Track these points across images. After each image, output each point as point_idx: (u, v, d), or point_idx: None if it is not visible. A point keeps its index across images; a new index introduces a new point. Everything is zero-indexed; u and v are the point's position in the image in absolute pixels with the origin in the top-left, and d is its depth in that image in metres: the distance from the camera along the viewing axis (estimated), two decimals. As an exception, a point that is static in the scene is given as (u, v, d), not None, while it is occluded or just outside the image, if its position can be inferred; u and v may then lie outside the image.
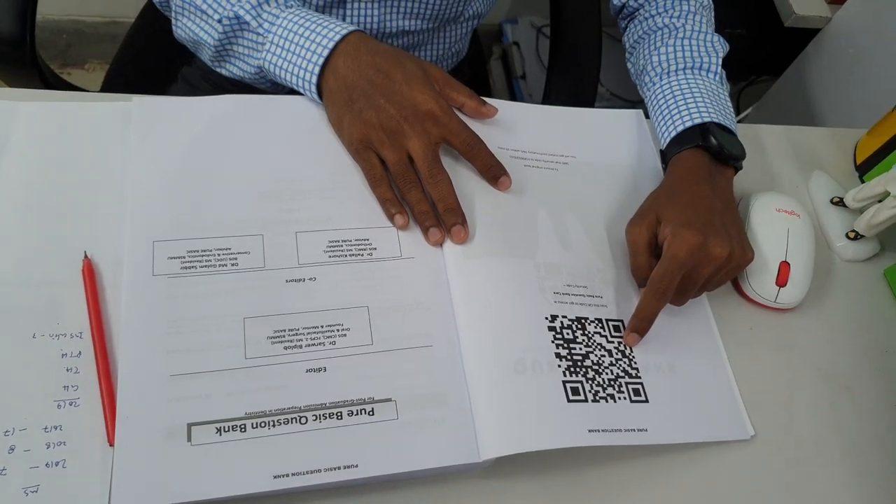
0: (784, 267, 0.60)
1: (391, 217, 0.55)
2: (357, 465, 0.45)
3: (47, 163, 0.53)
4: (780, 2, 1.09)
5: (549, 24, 0.96)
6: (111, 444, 0.43)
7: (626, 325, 0.54)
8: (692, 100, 0.62)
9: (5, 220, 0.51)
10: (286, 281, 0.51)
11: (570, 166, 0.63)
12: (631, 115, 0.70)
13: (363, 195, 0.56)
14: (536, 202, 0.59)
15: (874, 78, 1.01)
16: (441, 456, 0.46)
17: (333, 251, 0.53)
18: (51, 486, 0.42)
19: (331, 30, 0.57)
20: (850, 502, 0.52)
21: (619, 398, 0.51)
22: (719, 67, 0.66)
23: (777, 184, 0.70)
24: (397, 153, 0.55)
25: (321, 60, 0.57)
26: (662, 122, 0.64)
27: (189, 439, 0.44)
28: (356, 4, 0.67)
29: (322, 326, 0.50)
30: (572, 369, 0.51)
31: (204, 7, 0.59)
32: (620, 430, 0.49)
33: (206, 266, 0.50)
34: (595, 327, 0.54)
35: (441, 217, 0.55)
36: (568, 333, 0.52)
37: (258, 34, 0.59)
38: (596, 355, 0.52)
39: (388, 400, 0.48)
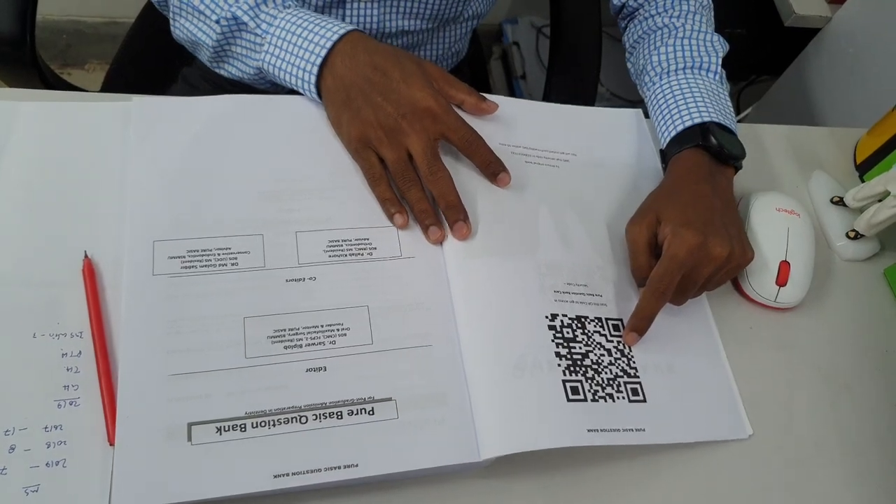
0: (784, 266, 0.60)
1: (391, 216, 0.55)
2: (357, 465, 0.45)
3: (47, 163, 0.54)
4: (780, 1, 1.09)
5: (549, 24, 0.96)
6: (111, 444, 0.43)
7: (625, 325, 0.54)
8: (692, 99, 0.62)
9: (5, 220, 0.51)
10: (286, 281, 0.51)
11: (571, 164, 0.63)
12: (631, 115, 0.70)
13: (363, 195, 0.56)
14: (537, 199, 0.59)
15: (874, 78, 1.01)
16: (441, 455, 0.46)
17: (333, 251, 0.53)
18: (51, 486, 0.42)
19: (328, 29, 0.57)
20: (850, 502, 0.52)
21: (618, 398, 0.51)
22: (719, 67, 0.66)
23: (777, 183, 0.70)
24: (396, 151, 0.55)
25: (319, 60, 0.57)
26: (662, 122, 0.64)
27: (189, 439, 0.44)
28: (355, 4, 0.67)
29: (322, 326, 0.50)
30: (572, 368, 0.51)
31: (201, 7, 0.59)
32: (619, 430, 0.49)
33: (206, 266, 0.50)
34: (595, 326, 0.54)
35: (443, 214, 0.55)
36: (568, 332, 0.52)
37: (256, 35, 0.59)
38: (595, 354, 0.52)
39: (388, 399, 0.48)
